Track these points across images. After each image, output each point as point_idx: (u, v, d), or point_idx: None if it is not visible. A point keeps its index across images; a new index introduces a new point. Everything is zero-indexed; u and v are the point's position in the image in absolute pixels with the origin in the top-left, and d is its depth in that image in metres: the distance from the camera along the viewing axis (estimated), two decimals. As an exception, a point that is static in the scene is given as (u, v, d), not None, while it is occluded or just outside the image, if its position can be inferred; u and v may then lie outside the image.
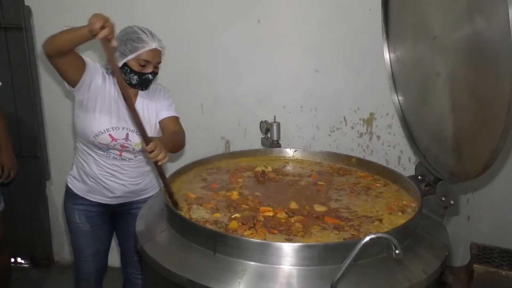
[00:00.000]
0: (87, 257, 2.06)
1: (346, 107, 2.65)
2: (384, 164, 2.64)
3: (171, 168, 2.26)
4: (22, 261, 3.10)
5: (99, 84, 1.87)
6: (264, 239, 1.36)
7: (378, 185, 1.87)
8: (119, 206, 2.07)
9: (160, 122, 1.99)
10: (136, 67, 1.83)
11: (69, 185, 2.05)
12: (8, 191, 2.70)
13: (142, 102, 1.97)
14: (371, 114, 2.64)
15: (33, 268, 3.05)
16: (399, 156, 2.68)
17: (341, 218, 1.51)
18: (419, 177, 1.85)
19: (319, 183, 1.88)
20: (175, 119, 2.03)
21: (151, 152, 1.51)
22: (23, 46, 2.66)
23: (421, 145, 1.87)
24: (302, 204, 1.63)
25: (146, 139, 1.53)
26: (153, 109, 1.99)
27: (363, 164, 2.03)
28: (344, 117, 2.66)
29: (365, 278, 1.24)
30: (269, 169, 1.99)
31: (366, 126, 2.66)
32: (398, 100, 2.01)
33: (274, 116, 2.30)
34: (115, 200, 2.05)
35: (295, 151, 2.19)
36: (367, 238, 1.10)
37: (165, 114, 1.99)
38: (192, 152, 2.67)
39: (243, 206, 1.61)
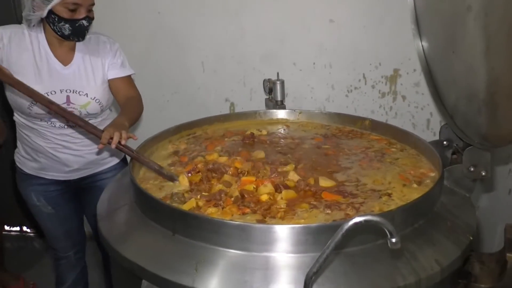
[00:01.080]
0: (58, 237, 1.90)
1: (365, 62, 2.30)
2: (411, 129, 2.31)
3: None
4: (28, 230, 3.04)
5: (22, 44, 1.62)
6: (230, 220, 1.11)
7: (394, 149, 1.56)
8: (81, 180, 1.86)
9: (111, 82, 1.74)
10: (65, 14, 1.55)
11: (18, 165, 1.84)
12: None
13: (83, 59, 1.70)
14: (395, 71, 2.28)
15: (38, 237, 2.97)
16: (428, 119, 2.33)
17: (343, 194, 1.23)
18: (444, 143, 1.52)
19: (324, 146, 1.60)
20: (128, 80, 1.78)
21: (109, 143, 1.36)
22: None
23: (448, 103, 1.53)
24: (304, 174, 1.35)
25: (96, 134, 1.40)
26: (98, 66, 1.72)
27: (378, 126, 1.71)
28: (364, 74, 2.31)
29: (356, 270, 0.97)
30: (263, 132, 1.72)
31: (389, 85, 2.31)
32: (423, 49, 1.66)
33: (278, 73, 2.00)
34: (74, 174, 1.83)
35: (300, 113, 1.89)
36: (351, 223, 0.82)
37: (115, 73, 1.74)
38: (194, 117, 2.42)
39: (213, 178, 1.35)
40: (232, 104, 2.49)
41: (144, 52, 2.45)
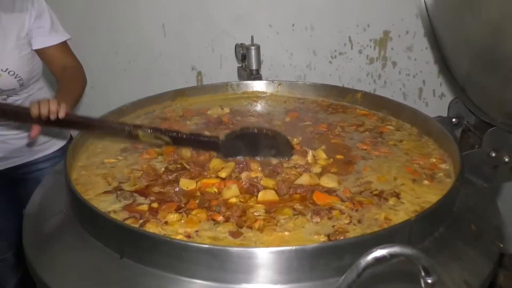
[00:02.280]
0: None
1: (352, 23, 2.01)
2: (401, 99, 2.07)
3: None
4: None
5: None
6: (195, 232, 0.85)
7: (390, 127, 1.32)
8: (13, 171, 1.53)
9: (40, 52, 1.39)
10: None
11: None
12: None
13: None
14: (386, 33, 2.00)
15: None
16: (421, 88, 2.09)
17: (340, 196, 0.98)
18: (454, 120, 1.28)
19: (306, 123, 1.35)
20: (62, 47, 1.42)
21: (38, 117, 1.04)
22: None
23: (459, 73, 1.28)
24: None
25: (19, 112, 1.10)
26: (13, 27, 1.33)
27: (371, 100, 1.46)
28: (350, 37, 2.03)
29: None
30: (225, 110, 1.44)
31: (379, 49, 2.04)
32: (426, 6, 1.39)
33: (252, 37, 1.69)
34: (1, 164, 1.51)
35: (279, 84, 1.61)
36: (370, 257, 0.57)
37: (43, 41, 1.38)
38: (155, 89, 2.10)
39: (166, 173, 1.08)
40: (199, 74, 2.17)
41: (90, 12, 2.07)
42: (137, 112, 1.42)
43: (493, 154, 1.06)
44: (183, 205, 0.95)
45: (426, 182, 1.02)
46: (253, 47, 1.69)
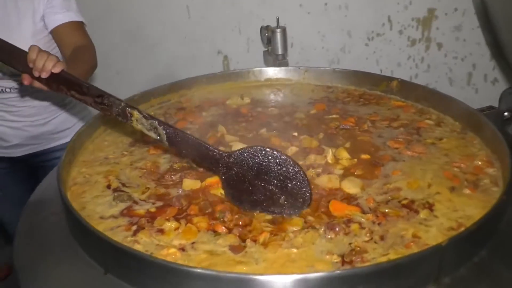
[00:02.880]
0: (9, 223, 1.58)
1: (391, 1, 1.82)
2: (447, 85, 1.87)
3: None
4: None
5: None
6: (191, 244, 0.75)
7: (429, 122, 1.15)
8: (31, 158, 1.51)
9: (53, 32, 1.32)
10: None
11: None
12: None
13: (4, 1, 1.29)
14: (430, 11, 1.80)
15: None
16: (470, 73, 1.87)
17: (361, 206, 0.84)
18: (505, 114, 1.10)
19: (332, 116, 1.21)
20: (75, 26, 1.34)
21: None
22: None
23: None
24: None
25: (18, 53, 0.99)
26: (27, 11, 1.30)
27: (408, 89, 1.29)
28: (389, 16, 1.84)
29: None
30: (246, 100, 1.32)
31: (422, 30, 1.84)
32: (477, -21, 1.19)
33: (277, 18, 1.55)
34: (16, 150, 1.48)
35: (306, 71, 1.47)
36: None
37: (57, 20, 1.31)
38: (180, 74, 2.01)
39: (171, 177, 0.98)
40: (225, 58, 2.06)
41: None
42: (151, 101, 1.33)
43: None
44: (184, 210, 0.85)
45: (467, 191, 0.86)
46: (278, 30, 1.55)
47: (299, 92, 1.42)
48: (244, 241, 0.77)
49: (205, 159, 0.89)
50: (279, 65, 1.55)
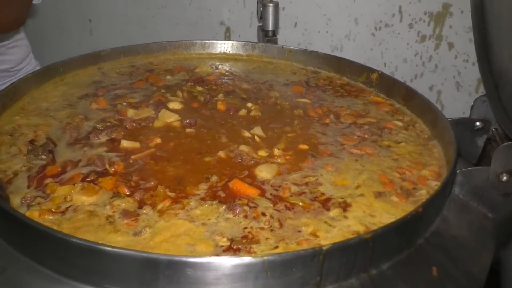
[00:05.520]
0: None
1: (404, -9, 1.69)
2: (453, 90, 1.73)
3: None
4: None
5: None
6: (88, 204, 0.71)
7: (398, 123, 1.06)
8: None
9: None
10: None
11: None
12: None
13: None
14: (445, 6, 1.66)
15: None
16: (480, 80, 1.72)
17: (270, 192, 0.77)
18: (477, 124, 0.99)
19: (302, 100, 1.15)
20: None
21: None
22: None
23: (496, 63, 0.98)
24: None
25: None
26: None
27: (387, 84, 1.19)
28: (400, 7, 1.71)
29: None
30: (220, 71, 1.27)
31: (434, 26, 1.70)
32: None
33: (273, -8, 1.47)
34: None
35: (290, 51, 1.38)
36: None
37: None
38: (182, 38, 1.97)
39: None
40: (227, 30, 1.99)
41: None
42: (120, 60, 1.30)
43: (505, 178, 0.79)
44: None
45: (394, 198, 0.77)
46: (271, 5, 1.47)
47: (280, 72, 1.35)
48: (141, 207, 0.72)
49: None
50: (267, 42, 1.48)
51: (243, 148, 0.89)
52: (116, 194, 0.75)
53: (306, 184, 0.80)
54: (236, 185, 0.76)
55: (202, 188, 0.77)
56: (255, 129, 0.97)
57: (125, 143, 0.88)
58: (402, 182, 0.83)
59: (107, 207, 0.72)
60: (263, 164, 0.84)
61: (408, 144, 0.96)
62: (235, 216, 0.71)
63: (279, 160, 0.86)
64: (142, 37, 2.05)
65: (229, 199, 0.74)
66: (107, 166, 0.81)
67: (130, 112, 0.98)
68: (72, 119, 0.96)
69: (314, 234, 0.68)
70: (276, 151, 0.88)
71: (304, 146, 0.91)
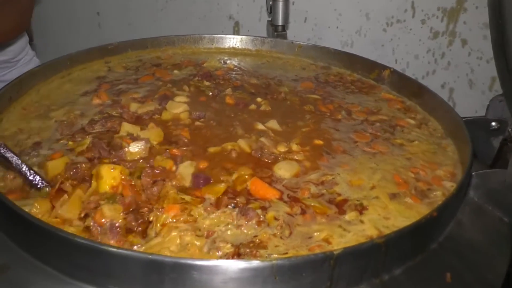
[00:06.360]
0: None
1: (418, -15, 1.66)
2: (466, 88, 1.70)
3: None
4: None
5: None
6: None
7: (411, 121, 1.04)
8: None
9: None
10: None
11: None
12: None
13: None
14: (459, 2, 1.62)
15: None
16: (494, 78, 1.69)
17: (288, 194, 0.75)
18: (493, 124, 0.96)
19: (312, 96, 1.12)
20: None
21: None
22: None
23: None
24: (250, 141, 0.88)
25: None
26: None
27: (399, 82, 1.17)
28: (413, 2, 1.68)
29: None
30: (229, 65, 1.25)
31: (447, 22, 1.67)
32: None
33: (283, -14, 1.44)
34: None
35: (300, 47, 1.36)
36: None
37: None
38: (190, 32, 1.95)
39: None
40: (236, 24, 1.97)
41: None
42: (127, 53, 1.28)
43: (523, 182, 0.76)
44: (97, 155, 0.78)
45: (409, 200, 0.75)
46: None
47: (289, 67, 1.32)
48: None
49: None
50: (276, 37, 1.46)
51: (264, 140, 0.87)
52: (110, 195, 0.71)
53: (323, 183, 0.77)
54: (256, 184, 0.74)
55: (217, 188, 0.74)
56: (270, 122, 0.95)
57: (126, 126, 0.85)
58: (417, 182, 0.80)
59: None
60: (283, 161, 0.82)
61: (421, 143, 0.94)
62: (247, 222, 0.68)
63: (297, 157, 0.84)
64: (150, 31, 2.03)
65: (245, 202, 0.72)
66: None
67: (133, 106, 0.96)
68: (67, 116, 0.92)
69: (327, 241, 0.65)
70: (295, 147, 0.86)
71: (319, 141, 0.90)
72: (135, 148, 0.79)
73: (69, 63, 1.14)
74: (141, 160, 0.78)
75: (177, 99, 1.00)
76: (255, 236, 0.66)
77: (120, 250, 0.55)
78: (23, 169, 0.70)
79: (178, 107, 0.96)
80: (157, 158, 0.78)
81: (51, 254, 0.60)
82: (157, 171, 0.74)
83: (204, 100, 1.05)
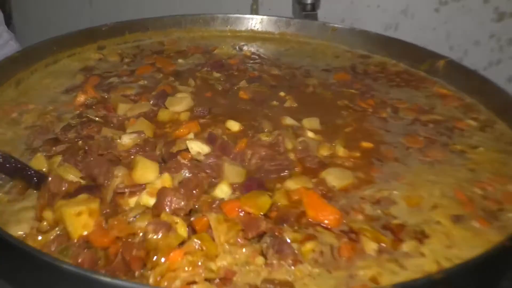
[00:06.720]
0: None
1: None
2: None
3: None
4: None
5: None
6: None
7: (472, 122, 1.01)
8: None
9: None
10: None
11: None
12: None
13: None
14: (532, -24, 1.58)
15: None
16: None
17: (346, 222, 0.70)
18: None
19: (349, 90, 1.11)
20: None
21: None
22: None
23: None
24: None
25: None
26: None
27: (458, 75, 1.14)
28: (473, -24, 1.65)
29: None
30: (245, 52, 1.24)
31: (515, 1, 1.63)
32: None
33: (313, -44, 1.42)
34: None
35: (334, 29, 1.33)
36: None
37: None
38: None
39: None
40: (255, 2, 1.95)
41: None
42: (125, 37, 1.27)
43: None
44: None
45: (476, 224, 0.71)
46: (310, -29, 1.42)
47: (319, 55, 1.31)
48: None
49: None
50: (305, 17, 1.44)
51: (311, 135, 0.86)
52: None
53: (378, 202, 0.74)
54: (313, 201, 0.70)
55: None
56: (310, 119, 0.93)
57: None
58: (484, 200, 0.77)
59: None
60: (333, 168, 0.79)
61: (487, 151, 0.91)
62: (279, 261, 0.62)
63: (346, 163, 0.82)
64: (152, 10, 2.04)
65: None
66: None
67: (122, 108, 0.92)
68: (42, 120, 0.89)
69: (375, 281, 0.61)
70: (342, 151, 0.84)
71: (367, 144, 0.88)
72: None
73: (55, 48, 1.14)
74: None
75: (179, 95, 0.98)
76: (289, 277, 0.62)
77: (114, 281, 0.53)
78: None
79: (179, 102, 0.94)
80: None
81: (30, 280, 0.58)
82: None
83: (209, 96, 1.02)
